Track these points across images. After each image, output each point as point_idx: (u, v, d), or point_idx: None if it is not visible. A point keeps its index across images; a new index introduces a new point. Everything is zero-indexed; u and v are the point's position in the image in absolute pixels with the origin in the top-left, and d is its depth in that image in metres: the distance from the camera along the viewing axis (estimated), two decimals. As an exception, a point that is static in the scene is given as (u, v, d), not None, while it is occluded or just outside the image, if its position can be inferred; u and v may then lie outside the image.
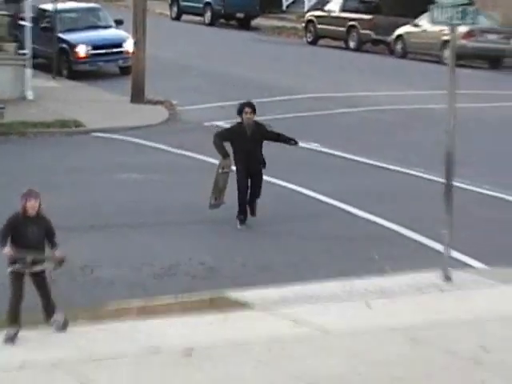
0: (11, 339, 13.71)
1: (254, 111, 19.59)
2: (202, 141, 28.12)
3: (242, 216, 20.07)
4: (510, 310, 16.75)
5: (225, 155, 19.72)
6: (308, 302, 16.70)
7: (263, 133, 19.97)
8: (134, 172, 27.02)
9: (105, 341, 14.85)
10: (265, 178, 24.00)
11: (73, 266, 18.24)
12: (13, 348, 13.67)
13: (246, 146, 19.72)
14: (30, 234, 13.87)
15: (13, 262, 13.79)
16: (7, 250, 13.66)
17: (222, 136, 20.13)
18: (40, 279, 13.96)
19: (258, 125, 20.03)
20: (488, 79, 43.38)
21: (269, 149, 24.26)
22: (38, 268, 13.96)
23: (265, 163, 20.40)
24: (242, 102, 19.73)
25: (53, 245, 14.04)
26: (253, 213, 20.30)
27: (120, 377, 13.30)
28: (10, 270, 13.75)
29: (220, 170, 19.65)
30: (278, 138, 20.78)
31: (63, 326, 13.96)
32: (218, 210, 22.34)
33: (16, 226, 13.87)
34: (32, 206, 13.79)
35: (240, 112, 19.61)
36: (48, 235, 14.02)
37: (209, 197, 19.92)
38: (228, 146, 20.90)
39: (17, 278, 13.81)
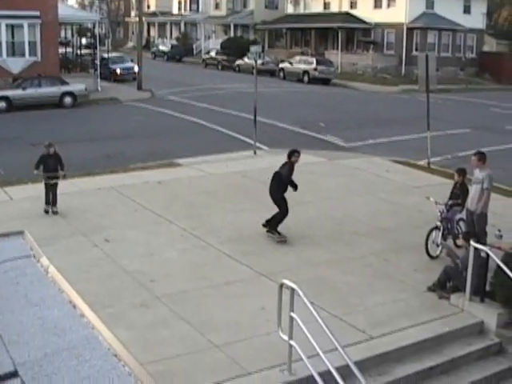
0: (47, 212, 14.35)
1: (299, 154, 13.17)
2: (165, 104, 34.57)
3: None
4: (278, 163, 17.61)
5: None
6: (205, 163, 19.91)
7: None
8: (138, 116, 31.38)
9: (131, 179, 17.54)
10: (183, 116, 29.59)
11: (116, 151, 22.01)
12: (49, 216, 14.27)
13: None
14: (50, 164, 14.37)
15: (44, 178, 14.46)
16: (36, 172, 14.37)
17: (290, 173, 13.25)
18: (54, 188, 14.45)
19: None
20: (270, 80, 47.74)
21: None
22: (52, 181, 14.43)
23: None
24: (292, 149, 13.31)
25: (62, 168, 14.48)
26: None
27: (136, 191, 16.19)
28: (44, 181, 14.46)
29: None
30: None
31: (55, 213, 14.30)
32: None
33: (43, 160, 14.37)
34: (49, 150, 14.29)
35: (292, 155, 13.16)
36: (60, 164, 14.47)
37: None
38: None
39: (45, 185, 14.43)
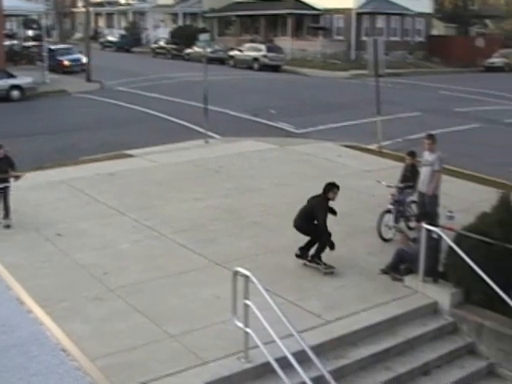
0: (8, 227, 12.94)
1: (338, 190, 11.07)
2: (115, 95, 33.73)
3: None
4: (230, 151, 19.71)
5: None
6: (156, 153, 19.77)
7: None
8: (88, 107, 30.67)
9: (82, 172, 17.31)
10: (134, 107, 28.80)
11: (67, 144, 21.49)
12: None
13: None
14: (0, 167, 12.96)
15: None
16: None
17: (326, 217, 10.92)
18: (5, 193, 13.11)
19: None
20: (220, 68, 46.85)
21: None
22: (2, 185, 12.99)
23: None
24: (330, 182, 11.18)
25: (13, 169, 13.19)
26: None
27: (87, 184, 16.02)
28: None
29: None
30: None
31: (7, 227, 12.92)
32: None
33: None
34: None
35: (329, 190, 11.00)
36: (11, 165, 13.14)
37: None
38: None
39: None
